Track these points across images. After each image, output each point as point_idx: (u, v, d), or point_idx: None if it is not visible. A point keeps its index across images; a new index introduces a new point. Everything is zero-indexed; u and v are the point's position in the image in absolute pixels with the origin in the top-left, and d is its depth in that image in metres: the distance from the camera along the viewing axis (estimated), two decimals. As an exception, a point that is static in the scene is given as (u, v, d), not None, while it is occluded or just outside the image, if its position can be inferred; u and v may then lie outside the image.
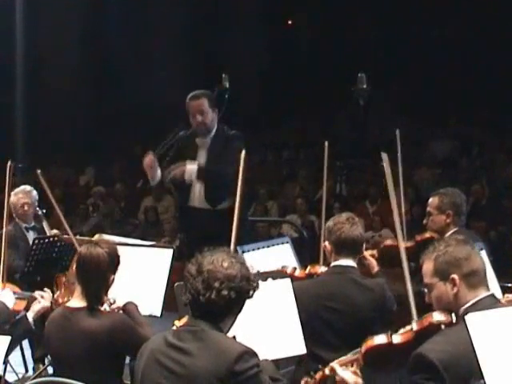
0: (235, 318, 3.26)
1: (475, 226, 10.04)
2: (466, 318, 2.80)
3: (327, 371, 3.33)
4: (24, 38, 15.13)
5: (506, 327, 2.82)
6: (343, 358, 3.32)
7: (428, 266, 3.18)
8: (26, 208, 6.81)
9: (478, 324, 2.78)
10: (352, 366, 3.29)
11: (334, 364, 3.30)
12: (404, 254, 4.04)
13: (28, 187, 7.00)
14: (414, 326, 3.23)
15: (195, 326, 3.16)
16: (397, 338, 3.24)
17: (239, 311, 3.24)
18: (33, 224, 6.88)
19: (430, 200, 5.43)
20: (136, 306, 4.24)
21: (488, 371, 2.71)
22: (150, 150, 6.29)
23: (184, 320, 3.53)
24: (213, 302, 3.12)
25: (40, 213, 6.94)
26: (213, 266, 3.16)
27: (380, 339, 3.27)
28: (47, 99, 15.46)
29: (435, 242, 3.28)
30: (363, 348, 3.28)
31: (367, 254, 4.81)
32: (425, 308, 3.41)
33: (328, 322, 4.26)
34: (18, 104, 15.42)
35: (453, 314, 3.11)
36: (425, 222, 5.48)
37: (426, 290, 3.24)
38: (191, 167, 6.05)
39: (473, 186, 11.77)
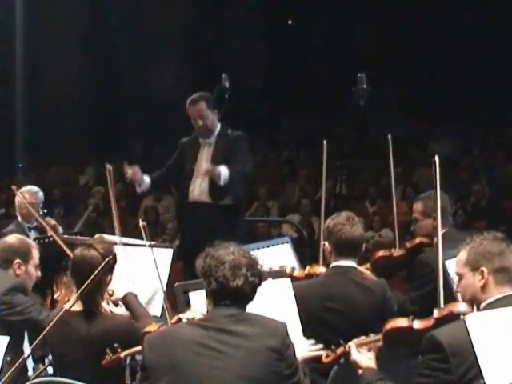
0: None
1: (475, 226, 10.03)
2: (466, 318, 2.81)
3: (347, 348, 3.44)
4: (24, 38, 15.13)
5: (506, 327, 2.82)
6: (363, 339, 3.43)
7: (462, 256, 3.23)
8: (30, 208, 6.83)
9: (477, 324, 2.78)
10: (370, 350, 3.39)
11: (352, 344, 3.41)
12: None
13: (35, 188, 7.02)
14: (436, 313, 3.33)
15: (228, 312, 3.20)
16: (417, 324, 3.33)
17: (253, 299, 3.31)
18: (35, 224, 6.89)
19: (414, 206, 5.37)
20: (135, 296, 4.22)
21: (488, 371, 2.71)
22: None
23: (192, 312, 3.53)
24: (241, 289, 3.20)
25: (41, 213, 6.95)
26: (234, 256, 3.24)
27: (402, 322, 3.37)
28: (47, 99, 15.46)
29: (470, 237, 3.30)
30: (385, 328, 3.38)
31: (362, 268, 4.77)
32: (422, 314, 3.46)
33: (328, 322, 4.26)
34: (17, 104, 15.43)
35: (474, 307, 3.15)
36: (412, 228, 5.42)
37: (457, 279, 3.29)
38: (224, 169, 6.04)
39: (473, 186, 11.76)
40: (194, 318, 3.45)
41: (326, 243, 4.44)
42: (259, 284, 3.28)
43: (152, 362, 3.18)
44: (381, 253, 5.36)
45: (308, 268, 4.85)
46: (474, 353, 2.76)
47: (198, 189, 6.22)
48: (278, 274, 4.19)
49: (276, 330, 3.21)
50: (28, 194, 6.87)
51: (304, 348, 3.73)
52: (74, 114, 15.52)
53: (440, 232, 4.09)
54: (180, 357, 3.13)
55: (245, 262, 3.24)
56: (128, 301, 4.17)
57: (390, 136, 5.85)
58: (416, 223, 5.33)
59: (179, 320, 3.58)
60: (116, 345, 3.79)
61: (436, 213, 5.21)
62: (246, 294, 3.24)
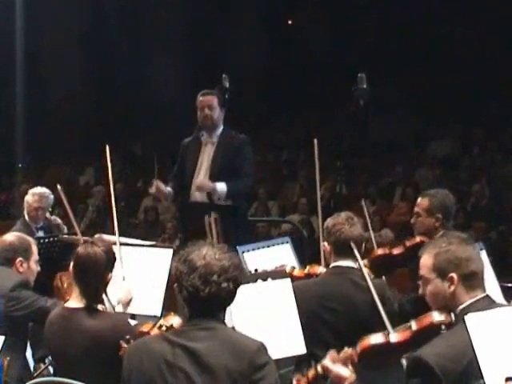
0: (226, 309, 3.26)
1: (475, 226, 10.04)
2: (466, 318, 2.79)
3: (320, 369, 3.28)
4: (24, 38, 15.13)
5: (506, 327, 2.82)
6: (335, 356, 3.27)
7: (427, 260, 3.15)
8: (39, 212, 6.88)
9: (477, 324, 2.78)
10: (344, 364, 3.23)
11: (326, 361, 3.25)
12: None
13: (47, 191, 7.02)
14: (413, 325, 3.20)
15: (199, 324, 3.12)
16: (394, 337, 3.22)
17: (232, 301, 3.23)
18: (41, 224, 6.92)
19: (419, 200, 5.27)
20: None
21: (487, 371, 2.71)
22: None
23: (171, 318, 3.52)
24: (214, 296, 3.10)
25: (48, 215, 6.98)
26: (205, 260, 3.13)
27: (377, 338, 3.25)
28: (47, 99, 15.46)
29: (435, 239, 3.26)
30: (359, 347, 3.25)
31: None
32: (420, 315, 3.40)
33: (328, 322, 4.25)
34: (18, 104, 15.43)
35: (452, 314, 3.09)
36: (412, 221, 5.32)
37: (420, 282, 3.21)
38: (221, 186, 6.07)
39: (473, 186, 11.77)
40: (172, 326, 3.43)
41: (326, 243, 4.44)
42: (235, 288, 3.16)
43: (126, 373, 3.17)
44: (380, 251, 5.35)
45: (308, 268, 4.86)
46: (472, 358, 2.73)
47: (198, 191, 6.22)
48: (278, 274, 4.19)
49: (243, 352, 3.04)
50: (38, 197, 6.89)
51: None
52: (74, 114, 15.53)
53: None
54: (149, 373, 3.11)
55: (217, 267, 3.11)
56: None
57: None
58: (417, 218, 5.26)
59: (160, 327, 3.58)
60: (128, 336, 3.80)
61: (440, 213, 5.22)
62: (220, 300, 3.14)
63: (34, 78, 15.15)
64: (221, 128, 6.27)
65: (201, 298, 3.10)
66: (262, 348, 3.08)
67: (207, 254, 3.15)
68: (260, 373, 3.03)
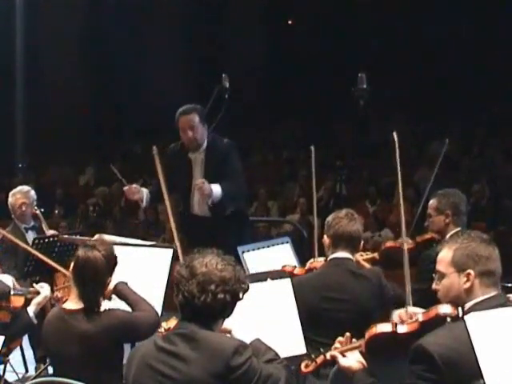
0: (224, 319, 3.26)
1: (475, 226, 10.04)
2: (466, 318, 2.80)
3: (328, 356, 3.31)
4: (24, 38, 15.15)
5: (506, 327, 2.82)
6: (343, 346, 3.31)
7: (446, 255, 3.16)
8: (23, 208, 6.79)
9: (477, 324, 2.78)
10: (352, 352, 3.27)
11: (336, 353, 3.28)
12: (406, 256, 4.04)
13: (26, 187, 6.98)
14: (420, 316, 3.23)
15: (185, 329, 3.14)
16: (402, 328, 3.24)
17: (231, 313, 3.23)
18: (32, 224, 6.87)
19: (430, 202, 5.46)
20: (126, 284, 4.24)
21: (487, 371, 2.71)
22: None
23: (172, 322, 3.53)
24: (208, 305, 3.11)
25: (38, 212, 6.93)
26: (207, 268, 3.13)
27: (385, 327, 3.27)
28: (47, 99, 15.47)
29: (456, 234, 3.28)
30: (367, 335, 3.27)
31: (361, 258, 4.85)
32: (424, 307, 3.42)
33: (328, 312, 4.32)
34: (18, 104, 15.45)
35: (459, 308, 3.10)
36: (426, 224, 5.49)
37: (435, 276, 3.22)
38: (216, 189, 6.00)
39: (473, 186, 11.77)
40: (169, 329, 3.44)
41: (325, 236, 4.54)
42: (233, 301, 3.17)
43: (125, 374, 3.24)
44: (390, 243, 5.41)
45: (308, 264, 4.91)
46: (474, 354, 2.74)
47: (197, 206, 6.20)
48: (278, 274, 4.19)
49: (219, 354, 3.05)
50: (19, 194, 6.84)
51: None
52: (73, 114, 15.54)
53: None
54: (133, 376, 3.16)
55: (216, 278, 3.11)
56: (119, 290, 4.18)
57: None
58: (429, 218, 5.40)
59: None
60: None
61: (449, 210, 5.29)
62: (213, 311, 3.14)
63: (34, 78, 15.16)
64: (205, 142, 6.21)
65: (195, 305, 3.11)
66: (239, 349, 3.09)
67: (210, 262, 3.15)
68: (239, 370, 3.05)
